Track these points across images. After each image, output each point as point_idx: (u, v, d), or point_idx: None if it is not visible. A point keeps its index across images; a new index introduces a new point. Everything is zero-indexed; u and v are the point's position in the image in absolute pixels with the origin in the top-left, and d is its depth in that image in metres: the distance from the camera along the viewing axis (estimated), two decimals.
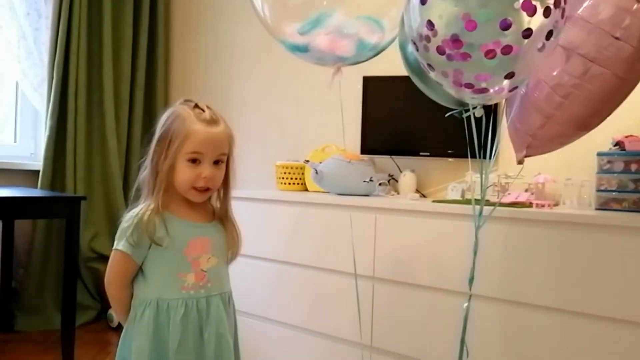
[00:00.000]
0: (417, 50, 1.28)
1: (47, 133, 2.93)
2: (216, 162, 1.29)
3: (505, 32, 1.12)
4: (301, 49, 1.59)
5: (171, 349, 1.24)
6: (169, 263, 1.27)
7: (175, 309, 1.25)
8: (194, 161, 1.26)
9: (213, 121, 1.29)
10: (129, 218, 1.28)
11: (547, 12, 1.13)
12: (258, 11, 1.61)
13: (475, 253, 1.46)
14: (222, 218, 1.37)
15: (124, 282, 1.30)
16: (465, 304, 1.50)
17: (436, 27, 1.17)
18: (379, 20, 1.56)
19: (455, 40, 1.15)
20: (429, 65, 1.27)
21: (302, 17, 1.54)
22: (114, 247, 1.28)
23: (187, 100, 1.33)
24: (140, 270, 1.30)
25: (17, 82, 3.05)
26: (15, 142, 3.12)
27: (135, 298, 1.31)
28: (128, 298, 1.31)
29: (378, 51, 1.63)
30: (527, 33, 1.13)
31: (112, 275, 1.31)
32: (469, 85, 1.22)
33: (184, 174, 1.26)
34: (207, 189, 1.29)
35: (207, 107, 1.32)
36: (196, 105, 1.31)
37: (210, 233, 1.33)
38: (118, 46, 3.20)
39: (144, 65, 3.31)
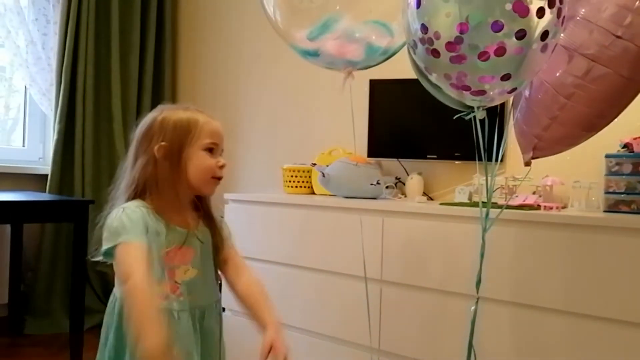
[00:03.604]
0: (415, 53, 1.28)
1: (55, 137, 2.95)
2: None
3: (498, 34, 1.12)
4: (311, 54, 1.61)
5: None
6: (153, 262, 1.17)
7: None
8: (210, 151, 1.25)
9: (211, 116, 1.29)
10: (126, 215, 1.16)
11: (540, 13, 1.12)
12: (270, 16, 1.62)
13: (482, 256, 1.45)
14: (207, 218, 1.31)
15: (146, 268, 1.10)
16: (473, 307, 1.50)
17: (431, 30, 1.18)
18: (388, 25, 1.57)
19: (449, 43, 1.15)
20: (427, 68, 1.28)
21: (311, 22, 1.55)
22: (119, 242, 1.12)
23: (172, 104, 1.30)
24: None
25: (25, 87, 3.08)
26: (24, 146, 3.15)
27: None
28: (156, 294, 1.12)
29: (388, 55, 1.64)
30: (521, 34, 1.13)
31: (132, 263, 1.10)
32: (467, 88, 1.22)
33: (205, 163, 1.23)
34: (220, 180, 1.27)
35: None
36: (187, 107, 1.28)
37: (196, 242, 1.26)
38: (126, 51, 3.23)
39: (151, 70, 3.34)
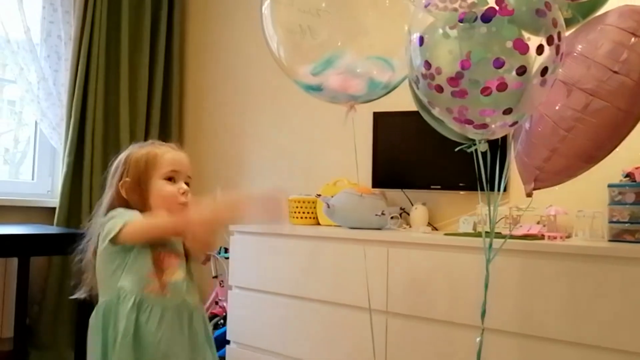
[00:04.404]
0: (418, 88, 1.32)
1: (64, 170, 2.99)
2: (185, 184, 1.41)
3: (499, 70, 1.16)
4: (315, 89, 1.65)
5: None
6: (141, 261, 1.33)
7: (128, 302, 1.30)
8: (170, 179, 1.38)
9: (177, 147, 1.45)
10: (121, 210, 1.34)
11: (540, 50, 1.17)
12: (274, 53, 1.67)
13: (486, 286, 1.46)
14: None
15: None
16: (478, 338, 1.49)
17: (433, 66, 1.22)
18: (389, 60, 1.61)
19: (452, 78, 1.19)
20: (430, 102, 1.31)
21: (315, 58, 1.60)
22: (123, 223, 1.29)
23: (147, 142, 1.47)
24: (124, 265, 1.34)
25: (36, 122, 3.14)
26: (33, 179, 3.19)
27: (119, 288, 1.33)
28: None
29: (389, 89, 1.68)
30: (522, 70, 1.17)
31: (138, 224, 1.31)
32: (469, 121, 1.25)
33: (166, 190, 1.37)
34: (185, 205, 1.39)
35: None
36: (152, 143, 1.45)
37: (179, 249, 1.41)
38: (134, 86, 3.29)
39: (159, 105, 3.40)
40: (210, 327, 1.46)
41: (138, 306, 1.31)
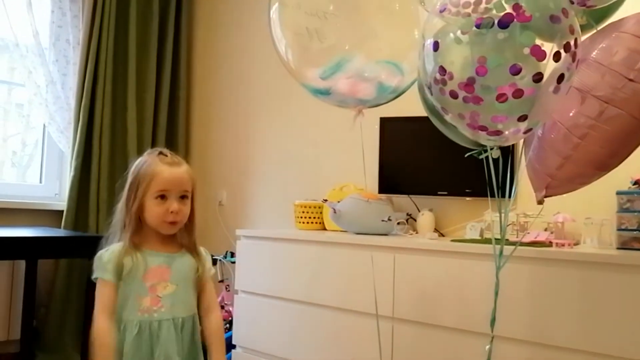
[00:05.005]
0: (432, 94, 1.31)
1: (72, 174, 3.01)
2: (183, 198, 1.46)
3: (516, 76, 1.15)
4: (323, 93, 1.65)
5: None
6: (130, 287, 1.42)
7: (130, 329, 1.40)
8: (162, 197, 1.43)
9: (175, 163, 1.48)
10: (108, 253, 1.43)
11: (557, 57, 1.16)
12: (282, 56, 1.67)
13: (496, 294, 1.45)
14: (190, 249, 1.52)
15: (111, 310, 1.41)
16: (488, 346, 1.48)
17: (449, 72, 1.21)
18: (399, 64, 1.61)
19: (468, 84, 1.19)
20: (443, 108, 1.31)
21: (324, 62, 1.60)
22: (99, 277, 1.42)
23: (154, 149, 1.53)
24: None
25: (44, 125, 3.15)
26: (40, 182, 3.21)
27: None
28: (113, 334, 1.39)
29: (398, 93, 1.68)
30: (538, 77, 1.16)
31: (99, 304, 1.41)
32: (483, 128, 1.25)
33: (154, 210, 1.43)
34: (175, 222, 1.45)
35: (170, 153, 1.51)
36: (160, 152, 1.50)
37: (174, 263, 1.48)
38: (142, 90, 3.31)
39: (166, 108, 3.42)
40: (197, 334, 1.51)
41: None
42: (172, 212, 1.43)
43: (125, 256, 1.42)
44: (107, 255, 1.42)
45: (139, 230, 1.46)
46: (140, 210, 1.44)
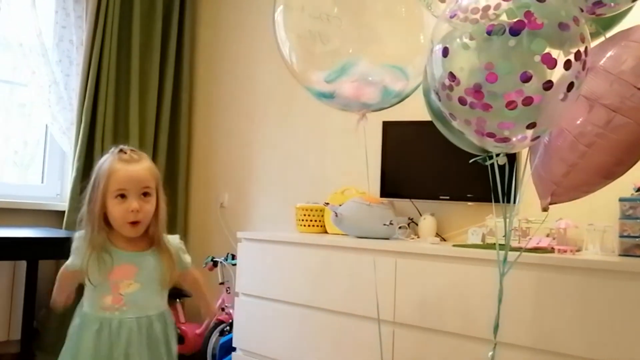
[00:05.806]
0: (440, 99, 1.31)
1: (73, 174, 3.00)
2: (145, 195, 1.43)
3: (526, 84, 1.15)
4: (327, 96, 1.65)
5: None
6: (95, 284, 1.43)
7: (90, 325, 1.42)
8: (122, 197, 1.41)
9: (133, 160, 1.45)
10: (73, 257, 1.47)
11: (567, 65, 1.16)
12: (286, 59, 1.67)
13: (500, 300, 1.45)
14: (156, 246, 1.49)
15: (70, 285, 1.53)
16: (490, 353, 1.48)
17: (458, 78, 1.21)
18: (403, 68, 1.61)
19: (477, 91, 1.18)
20: (451, 114, 1.30)
21: (329, 65, 1.60)
22: (64, 266, 1.50)
23: (116, 147, 1.49)
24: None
25: (46, 125, 3.15)
26: (42, 182, 3.20)
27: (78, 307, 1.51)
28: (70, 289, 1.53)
29: (402, 98, 1.68)
30: (548, 85, 1.16)
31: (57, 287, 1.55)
32: (491, 135, 1.25)
33: (115, 211, 1.41)
34: (138, 222, 1.43)
35: (131, 149, 1.48)
36: (121, 150, 1.46)
37: (140, 261, 1.46)
38: (144, 92, 3.31)
39: (168, 110, 3.42)
40: (171, 329, 1.51)
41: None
42: (132, 211, 1.40)
43: (90, 260, 1.42)
44: (72, 260, 1.47)
45: (106, 230, 1.44)
46: (103, 210, 1.42)
